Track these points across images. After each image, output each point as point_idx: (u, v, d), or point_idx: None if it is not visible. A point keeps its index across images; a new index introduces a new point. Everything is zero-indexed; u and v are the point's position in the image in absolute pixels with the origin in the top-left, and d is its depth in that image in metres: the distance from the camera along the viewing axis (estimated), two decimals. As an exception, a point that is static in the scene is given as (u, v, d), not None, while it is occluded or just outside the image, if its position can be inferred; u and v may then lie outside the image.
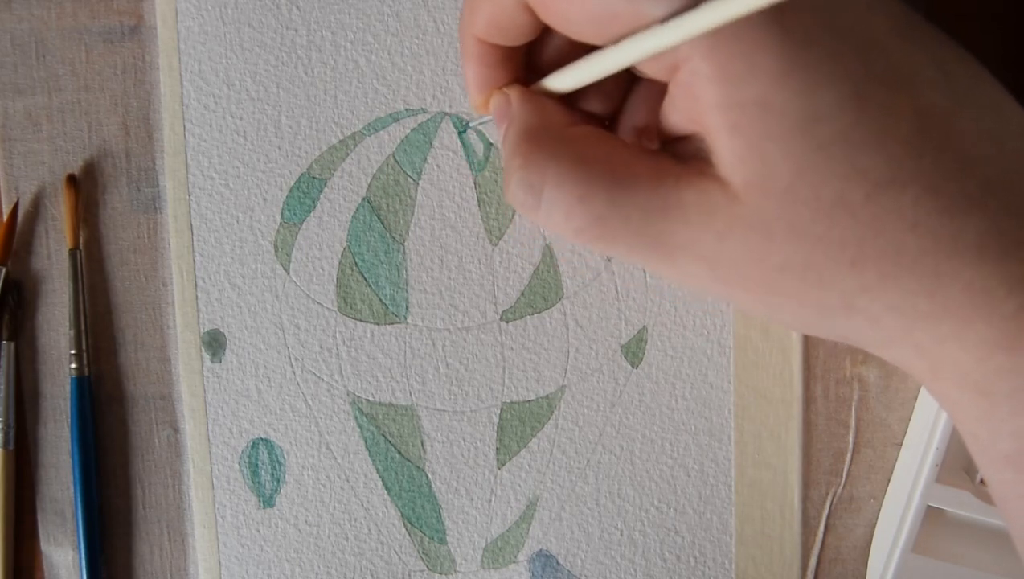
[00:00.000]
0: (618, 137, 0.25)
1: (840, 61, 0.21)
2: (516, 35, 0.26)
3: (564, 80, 0.26)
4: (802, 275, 0.22)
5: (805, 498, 0.36)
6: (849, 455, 0.36)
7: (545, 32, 0.28)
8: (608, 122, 0.28)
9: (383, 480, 0.36)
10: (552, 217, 0.24)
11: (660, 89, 0.25)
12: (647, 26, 0.22)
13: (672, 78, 0.23)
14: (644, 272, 0.35)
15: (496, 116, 0.28)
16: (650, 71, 0.24)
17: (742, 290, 0.23)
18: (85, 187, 0.36)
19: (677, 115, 0.23)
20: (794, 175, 0.21)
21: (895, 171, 0.21)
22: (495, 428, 0.36)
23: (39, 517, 0.36)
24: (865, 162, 0.21)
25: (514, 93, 0.27)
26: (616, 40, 0.23)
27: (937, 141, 0.21)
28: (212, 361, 0.36)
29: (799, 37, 0.21)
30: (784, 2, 0.20)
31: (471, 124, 0.35)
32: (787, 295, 0.22)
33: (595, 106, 0.28)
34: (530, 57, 0.28)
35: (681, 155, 0.23)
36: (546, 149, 0.24)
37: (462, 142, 0.35)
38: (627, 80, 0.27)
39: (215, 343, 0.36)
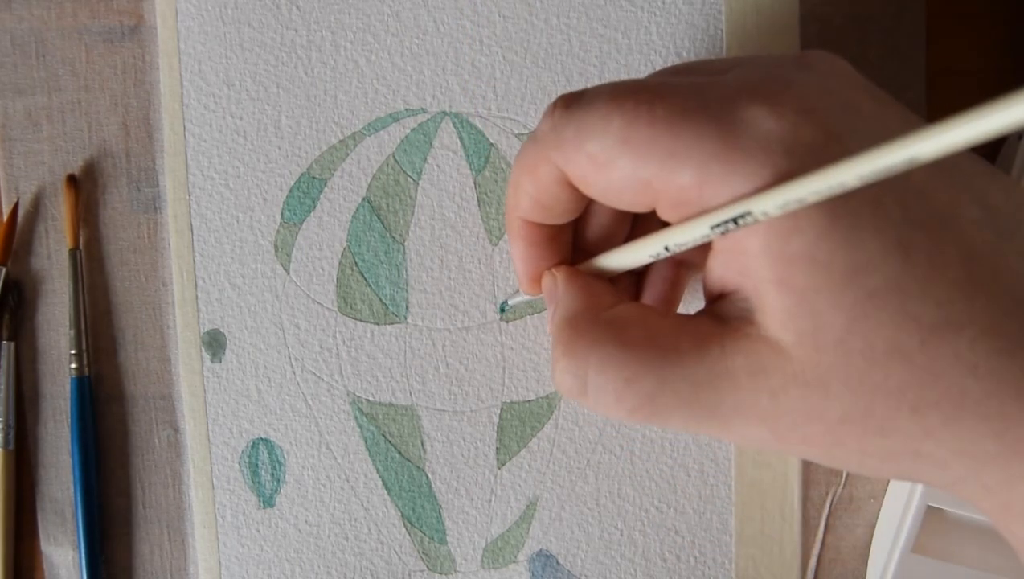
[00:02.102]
0: (655, 310, 0.25)
1: (880, 209, 0.21)
2: (560, 213, 0.27)
3: (617, 259, 0.26)
4: (863, 425, 0.21)
5: (805, 498, 0.36)
6: (849, 455, 0.36)
7: (589, 208, 0.28)
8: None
9: (383, 480, 0.36)
10: (602, 402, 0.24)
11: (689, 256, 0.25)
12: (700, 217, 0.22)
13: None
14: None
15: (546, 298, 0.28)
16: None
17: (803, 445, 0.23)
18: (85, 187, 0.36)
19: (720, 271, 0.23)
20: (845, 326, 0.21)
21: (948, 315, 0.20)
22: (495, 428, 0.36)
23: (39, 517, 0.36)
24: (916, 308, 0.20)
25: (561, 275, 0.27)
26: (654, 208, 0.23)
27: (987, 281, 0.21)
28: (212, 361, 0.36)
29: None
30: (819, 151, 0.20)
31: (509, 301, 0.35)
32: (850, 446, 0.22)
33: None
34: (577, 234, 0.29)
35: (722, 316, 0.23)
36: (588, 336, 0.24)
37: (501, 316, 0.36)
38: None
39: (215, 343, 0.36)
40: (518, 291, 0.32)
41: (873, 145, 0.19)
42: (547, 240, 0.28)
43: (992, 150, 0.35)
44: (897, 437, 0.21)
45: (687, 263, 0.29)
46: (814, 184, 0.19)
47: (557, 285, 0.27)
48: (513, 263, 0.29)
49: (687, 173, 0.22)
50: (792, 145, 0.21)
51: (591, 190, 0.24)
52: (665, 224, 0.24)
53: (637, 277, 0.30)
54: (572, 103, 0.24)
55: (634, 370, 0.23)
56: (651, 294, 0.29)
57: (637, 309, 0.25)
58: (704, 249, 0.24)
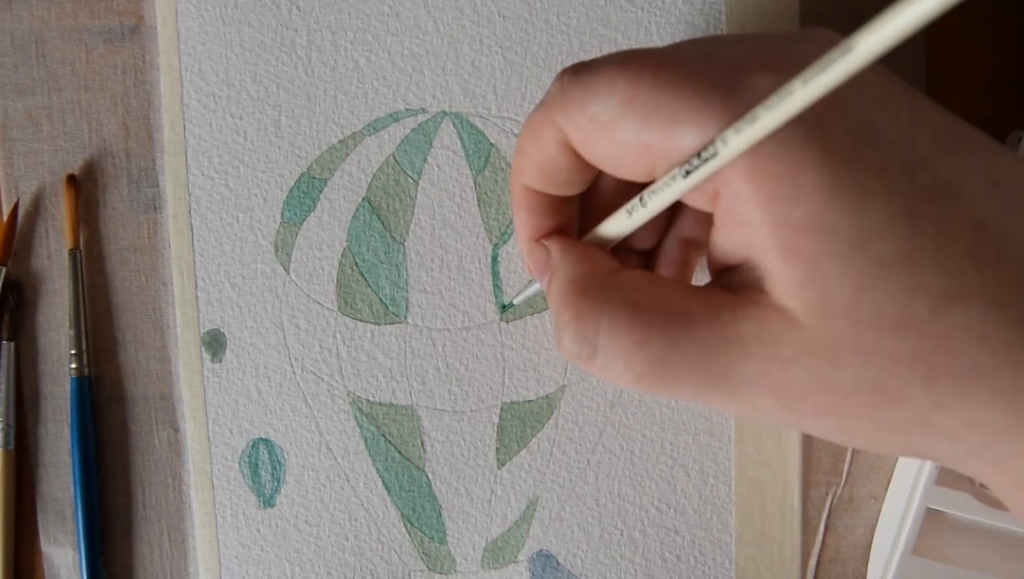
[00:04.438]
0: (665, 277, 0.25)
1: (886, 178, 0.21)
2: (562, 182, 0.26)
3: (609, 228, 0.26)
4: (874, 396, 0.21)
5: (805, 498, 0.36)
6: (849, 455, 0.36)
7: (596, 185, 0.27)
8: (652, 252, 0.28)
9: (383, 480, 0.36)
10: (611, 366, 0.23)
11: (699, 215, 0.24)
12: (683, 160, 0.22)
13: (715, 206, 0.23)
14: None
15: (535, 269, 0.27)
16: (693, 202, 0.23)
17: (813, 417, 0.22)
18: (85, 187, 0.36)
19: (725, 243, 0.23)
20: (854, 295, 0.20)
21: (957, 285, 0.20)
22: (495, 428, 0.36)
23: (39, 517, 0.36)
24: (926, 277, 0.20)
25: (553, 244, 0.27)
26: (655, 176, 0.23)
27: (996, 252, 0.21)
28: (212, 361, 0.36)
29: (843, 156, 0.21)
30: (821, 120, 0.20)
31: (514, 300, 0.35)
32: (860, 418, 0.22)
33: (640, 242, 0.28)
34: (584, 212, 0.28)
35: (732, 286, 0.23)
36: (597, 297, 0.24)
37: (503, 311, 0.36)
38: (667, 211, 0.27)
39: (215, 343, 0.36)
40: (530, 283, 0.32)
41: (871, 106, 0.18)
42: (549, 210, 0.27)
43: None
44: (908, 408, 0.21)
45: (695, 242, 0.28)
46: (771, 101, 0.19)
47: (551, 254, 0.26)
48: (515, 234, 0.29)
49: (689, 136, 0.21)
50: None
51: (592, 154, 0.24)
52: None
53: (646, 261, 0.29)
54: (581, 68, 0.24)
55: (645, 333, 0.23)
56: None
57: (646, 275, 0.25)
58: (709, 226, 0.24)
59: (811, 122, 0.20)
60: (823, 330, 0.21)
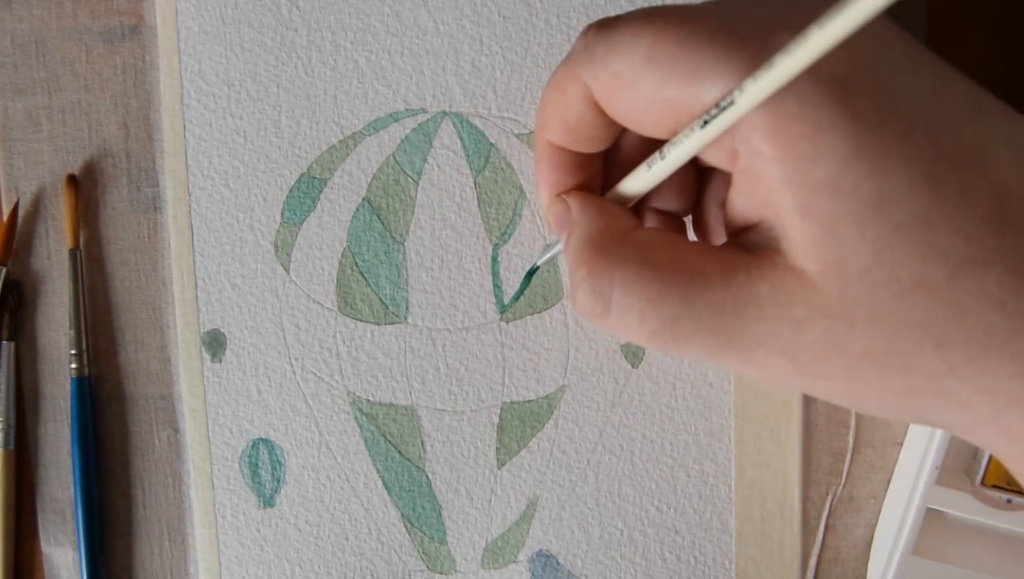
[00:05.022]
0: (681, 237, 0.25)
1: (909, 142, 0.20)
2: (585, 138, 0.26)
3: (631, 184, 0.26)
4: (886, 360, 0.21)
5: (805, 498, 0.36)
6: (849, 455, 0.36)
7: (619, 144, 0.27)
8: (690, 217, 0.28)
9: (383, 480, 0.36)
10: (624, 322, 0.23)
11: (727, 179, 0.24)
12: (702, 112, 0.21)
13: (733, 164, 0.22)
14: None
15: (555, 224, 0.27)
16: (711, 159, 0.23)
17: (824, 380, 0.22)
18: (85, 187, 0.36)
19: (743, 202, 0.23)
20: (871, 257, 0.20)
21: (976, 251, 0.20)
22: (495, 428, 0.36)
23: (39, 517, 0.36)
24: (944, 242, 0.20)
25: (574, 200, 0.27)
26: (677, 132, 0.23)
27: (1017, 219, 0.21)
28: (212, 361, 0.36)
29: (865, 118, 0.20)
30: (845, 82, 0.20)
31: (538, 263, 0.34)
32: (871, 382, 0.22)
33: (671, 204, 0.28)
34: (608, 172, 0.28)
35: (749, 246, 0.23)
36: (612, 254, 0.24)
37: (528, 283, 0.35)
38: (698, 173, 0.27)
39: (215, 343, 0.36)
40: (545, 248, 0.31)
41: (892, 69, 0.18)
42: (572, 167, 0.27)
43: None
44: (920, 374, 0.21)
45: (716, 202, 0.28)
46: (789, 48, 0.19)
47: (571, 209, 0.26)
48: (537, 190, 0.29)
49: (711, 90, 0.21)
50: (818, 69, 0.20)
51: (615, 110, 0.24)
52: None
53: (676, 225, 0.29)
54: (605, 24, 0.24)
55: (659, 290, 0.23)
56: None
57: (662, 233, 0.25)
58: (728, 186, 0.24)
59: (835, 84, 0.20)
60: (838, 292, 0.21)
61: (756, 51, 0.21)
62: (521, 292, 0.36)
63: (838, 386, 0.22)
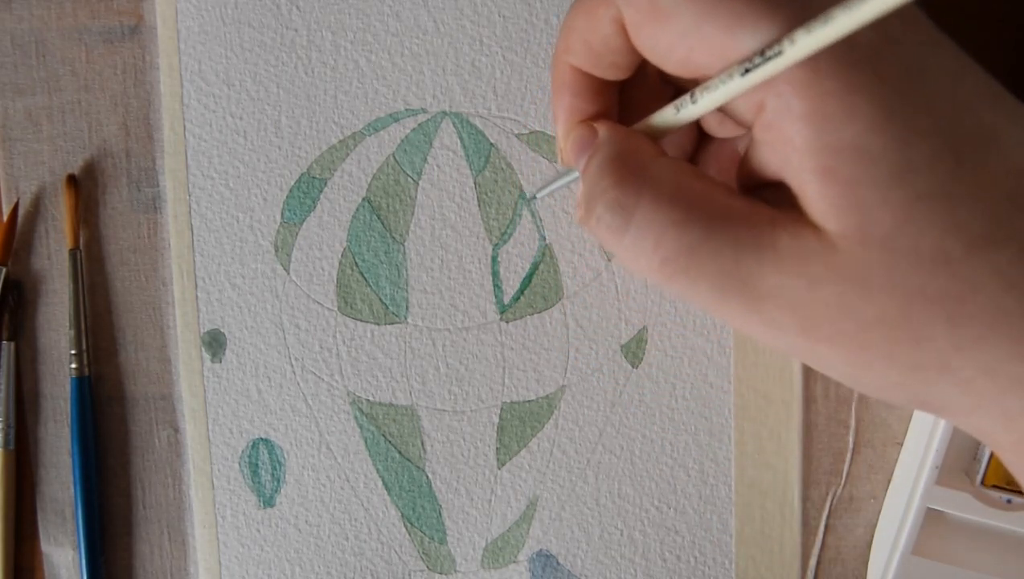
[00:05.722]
0: (710, 176, 0.24)
1: (933, 114, 0.20)
2: (607, 65, 0.26)
3: (659, 119, 0.25)
4: (895, 330, 0.21)
5: (805, 498, 0.36)
6: (849, 455, 0.36)
7: (635, 80, 0.27)
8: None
9: (383, 480, 0.36)
10: (639, 244, 0.23)
11: (730, 146, 0.24)
12: (743, 58, 0.21)
13: (757, 119, 0.22)
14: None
15: (576, 148, 0.26)
16: (734, 110, 0.23)
17: (828, 344, 0.22)
18: (85, 187, 0.36)
19: (761, 160, 0.23)
20: (894, 225, 0.20)
21: (993, 229, 0.20)
22: (495, 428, 0.36)
23: (39, 517, 0.36)
24: (964, 216, 0.20)
25: (602, 125, 0.26)
26: (700, 75, 0.22)
27: None
28: (212, 361, 0.36)
29: (895, 87, 0.20)
30: (876, 51, 0.20)
31: (537, 194, 0.33)
32: (877, 351, 0.21)
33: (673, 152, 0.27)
34: (621, 109, 0.28)
35: (770, 200, 0.23)
36: (642, 172, 0.23)
37: (529, 212, 0.35)
38: (696, 136, 0.27)
39: (215, 343, 0.36)
40: (554, 178, 0.31)
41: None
42: (592, 93, 0.27)
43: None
44: (929, 347, 0.21)
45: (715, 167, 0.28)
46: (850, 3, 0.19)
47: (597, 133, 0.25)
48: (554, 117, 0.28)
49: (751, 39, 0.21)
50: (851, 37, 0.20)
51: (643, 40, 0.23)
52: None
53: None
54: None
55: (685, 213, 0.22)
56: None
57: (689, 165, 0.24)
58: (724, 155, 0.23)
59: (866, 50, 0.20)
60: (857, 256, 0.21)
61: (800, 8, 0.20)
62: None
63: (841, 353, 0.22)
